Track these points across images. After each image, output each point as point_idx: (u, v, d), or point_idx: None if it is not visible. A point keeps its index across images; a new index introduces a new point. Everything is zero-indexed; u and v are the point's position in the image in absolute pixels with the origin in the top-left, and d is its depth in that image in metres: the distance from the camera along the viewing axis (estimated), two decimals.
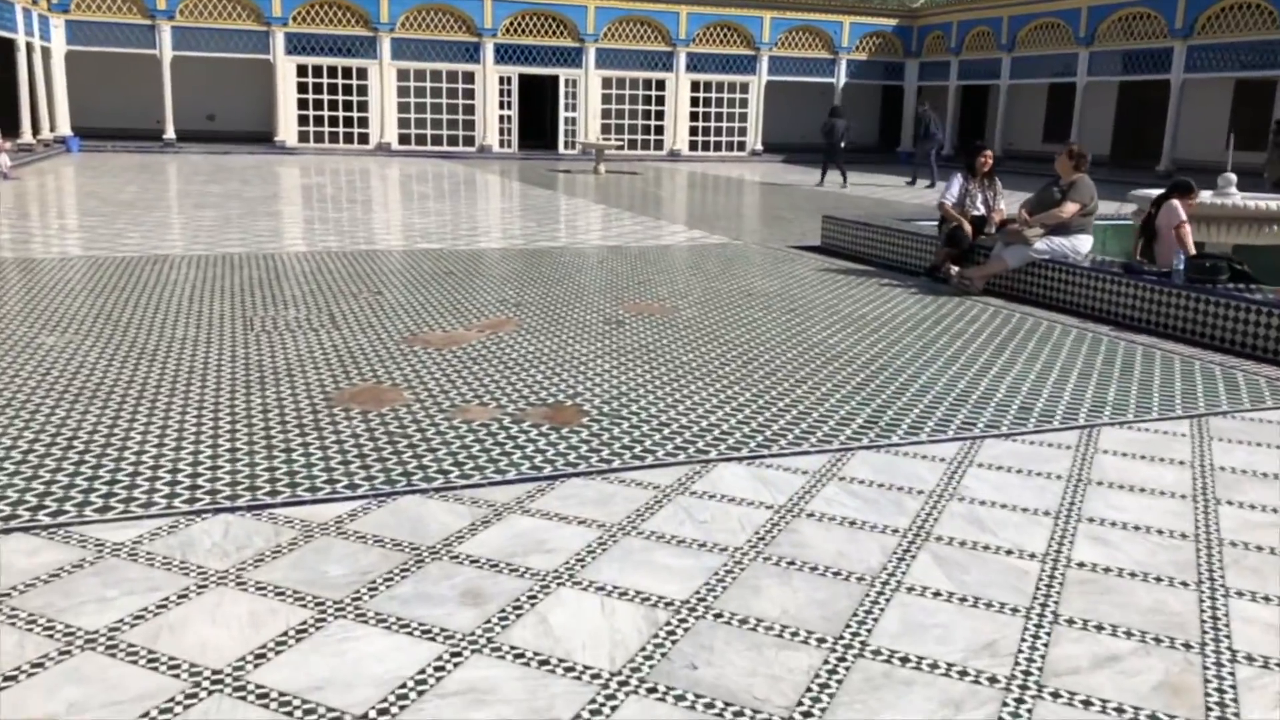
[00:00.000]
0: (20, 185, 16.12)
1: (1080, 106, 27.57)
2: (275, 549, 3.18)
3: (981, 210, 8.66)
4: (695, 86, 31.42)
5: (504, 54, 29.11)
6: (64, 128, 25.80)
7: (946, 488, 3.84)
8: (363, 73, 28.28)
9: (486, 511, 3.51)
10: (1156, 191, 8.37)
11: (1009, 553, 3.28)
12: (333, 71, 28.10)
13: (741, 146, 32.26)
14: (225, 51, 27.26)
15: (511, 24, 29.00)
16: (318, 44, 27.75)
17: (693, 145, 31.78)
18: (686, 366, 5.59)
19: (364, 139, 28.53)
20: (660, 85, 31.09)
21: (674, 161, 29.80)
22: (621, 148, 27.65)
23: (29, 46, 23.16)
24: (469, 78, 29.07)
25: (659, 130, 31.39)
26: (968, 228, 8.47)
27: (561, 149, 30.09)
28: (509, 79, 29.47)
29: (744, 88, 31.96)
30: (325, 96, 28.19)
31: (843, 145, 21.36)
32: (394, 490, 3.69)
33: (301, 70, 27.81)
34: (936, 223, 9.03)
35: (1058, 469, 4.08)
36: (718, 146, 32.22)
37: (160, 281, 7.86)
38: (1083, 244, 7.85)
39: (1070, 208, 7.71)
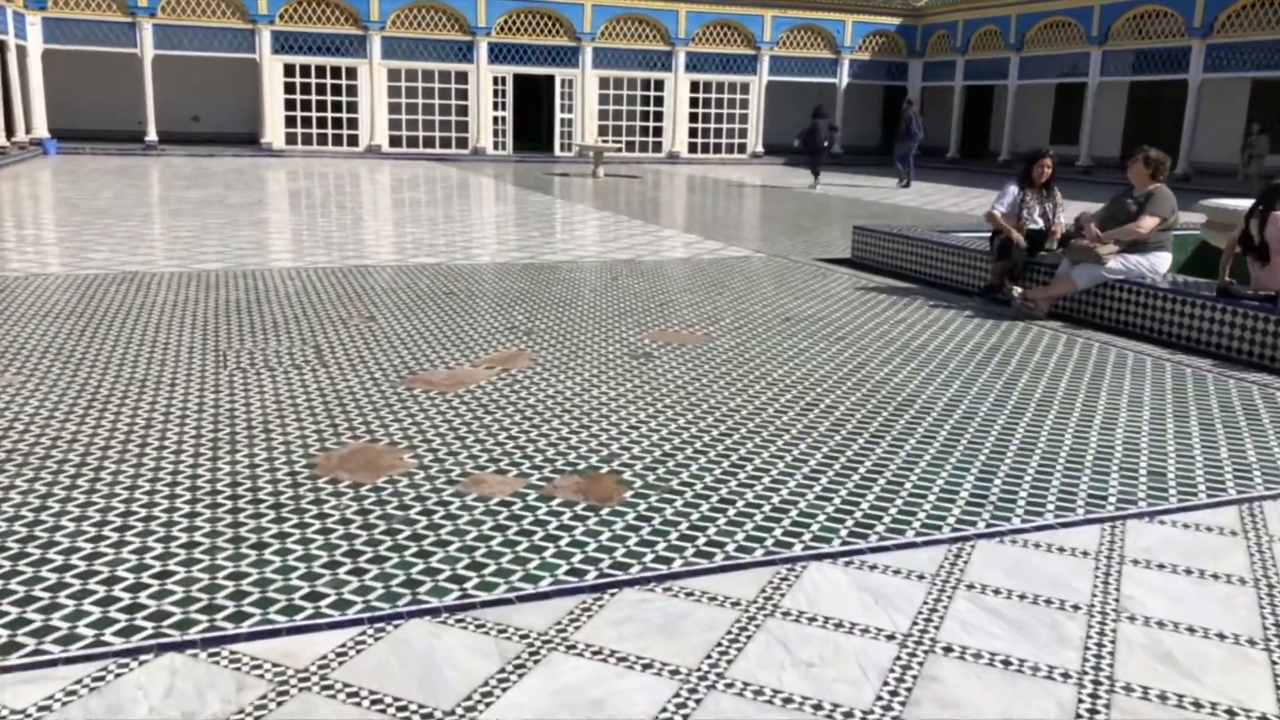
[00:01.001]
0: None
1: (1091, 107, 26.81)
2: (238, 716, 2.31)
3: (1040, 224, 7.78)
4: (695, 87, 30.55)
5: (498, 53, 28.21)
6: (41, 129, 24.79)
7: (1105, 599, 2.99)
8: (352, 72, 27.34)
9: (519, 647, 2.65)
10: (1232, 201, 7.56)
11: (1232, 715, 2.43)
12: (321, 71, 27.16)
13: (742, 149, 31.40)
14: (209, 50, 26.29)
15: (506, 22, 28.10)
16: (305, 43, 26.80)
17: (692, 147, 30.91)
18: (737, 416, 4.73)
19: (354, 141, 27.61)
20: (659, 85, 30.21)
21: (673, 164, 28.94)
22: (619, 150, 26.77)
23: (3, 45, 22.19)
24: (462, 78, 28.16)
25: (658, 132, 30.51)
26: (1019, 238, 7.61)
27: (557, 151, 29.21)
28: (503, 79, 28.57)
29: (744, 88, 31.12)
30: (313, 97, 27.24)
31: (827, 146, 20.66)
32: (396, 611, 2.83)
33: (289, 70, 26.86)
34: (989, 236, 8.17)
35: (1235, 568, 3.23)
36: (718, 148, 31.35)
37: (125, 305, 6.97)
38: (1161, 262, 7.01)
39: (1149, 222, 6.86)
